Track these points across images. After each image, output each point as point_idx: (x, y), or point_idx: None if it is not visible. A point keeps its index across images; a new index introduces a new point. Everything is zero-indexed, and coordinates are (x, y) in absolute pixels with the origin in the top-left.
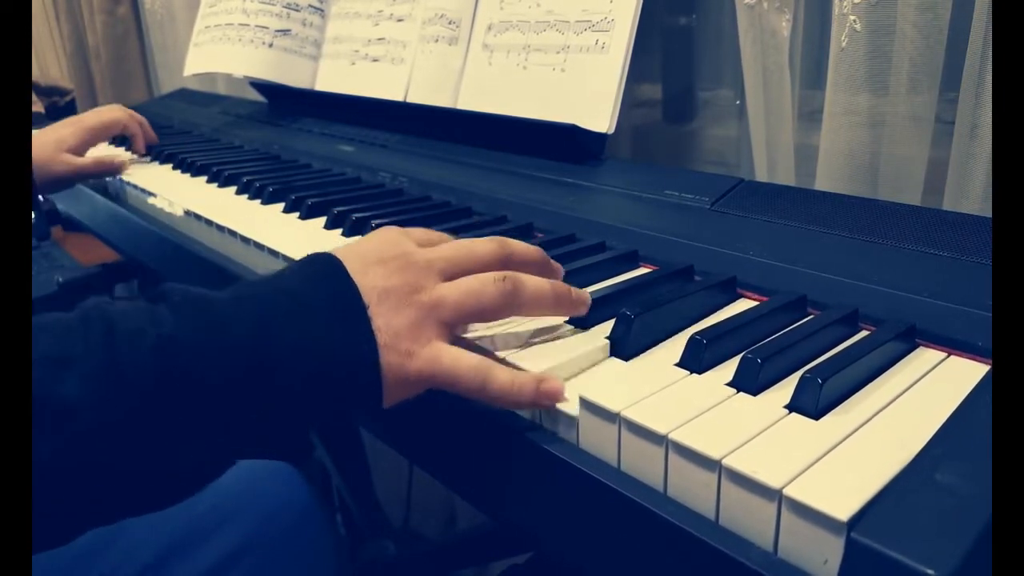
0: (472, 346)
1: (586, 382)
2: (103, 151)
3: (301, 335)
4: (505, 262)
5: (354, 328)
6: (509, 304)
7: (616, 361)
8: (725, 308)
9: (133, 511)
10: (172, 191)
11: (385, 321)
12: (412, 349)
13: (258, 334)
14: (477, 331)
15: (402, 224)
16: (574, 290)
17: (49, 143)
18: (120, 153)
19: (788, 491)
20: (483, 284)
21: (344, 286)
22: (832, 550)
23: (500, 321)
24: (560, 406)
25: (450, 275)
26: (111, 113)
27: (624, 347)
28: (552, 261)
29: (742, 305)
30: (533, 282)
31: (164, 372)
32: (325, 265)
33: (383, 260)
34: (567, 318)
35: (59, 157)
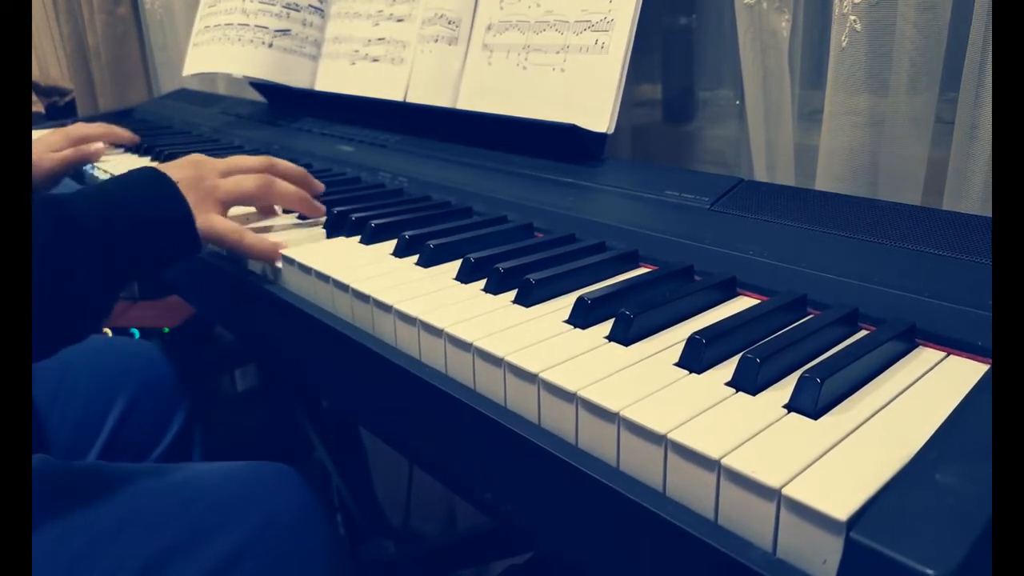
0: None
1: (587, 381)
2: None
3: (148, 201)
4: (269, 169)
5: (171, 192)
6: (265, 194)
7: (615, 359)
8: (725, 308)
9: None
10: None
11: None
12: (197, 214)
13: (113, 206)
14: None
15: (403, 225)
16: (314, 204)
17: (38, 145)
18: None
19: (787, 491)
20: (246, 178)
21: (159, 174)
22: (831, 550)
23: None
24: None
25: (227, 175)
26: (87, 128)
27: (623, 346)
28: (312, 178)
29: (742, 304)
30: (283, 184)
31: (59, 221)
32: (144, 169)
33: (182, 166)
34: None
35: (46, 155)
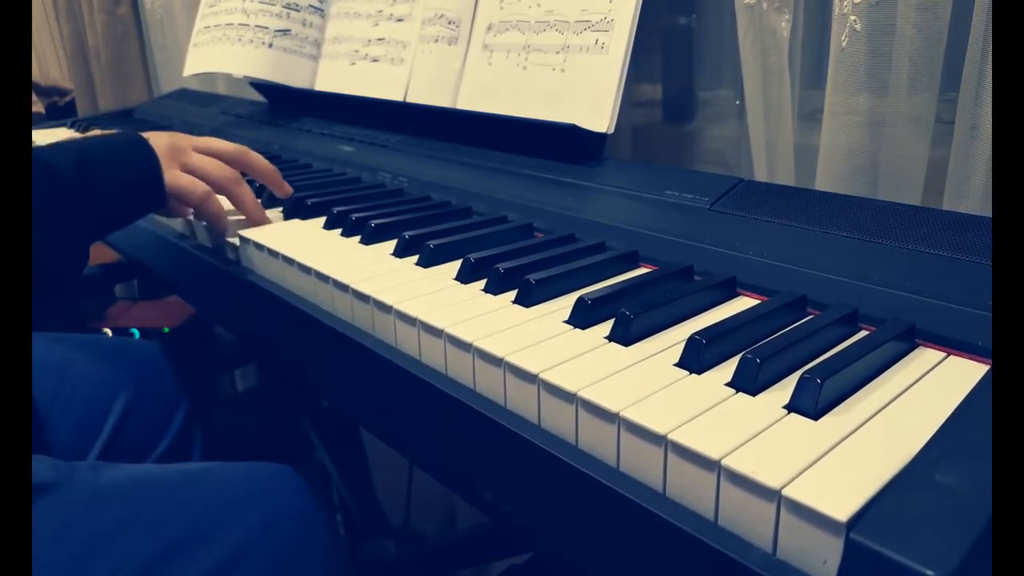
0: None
1: (587, 382)
2: None
3: (121, 156)
4: (242, 157)
5: (141, 145)
6: (227, 191)
7: (615, 360)
8: (725, 308)
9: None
10: None
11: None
12: (164, 169)
13: (88, 158)
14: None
15: (403, 225)
16: (265, 215)
17: None
18: None
19: (787, 491)
20: (220, 167)
21: (132, 132)
22: (831, 551)
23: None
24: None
25: (201, 153)
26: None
27: (623, 346)
28: (281, 178)
29: (742, 305)
30: (247, 191)
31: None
32: (122, 132)
33: (160, 135)
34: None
35: None
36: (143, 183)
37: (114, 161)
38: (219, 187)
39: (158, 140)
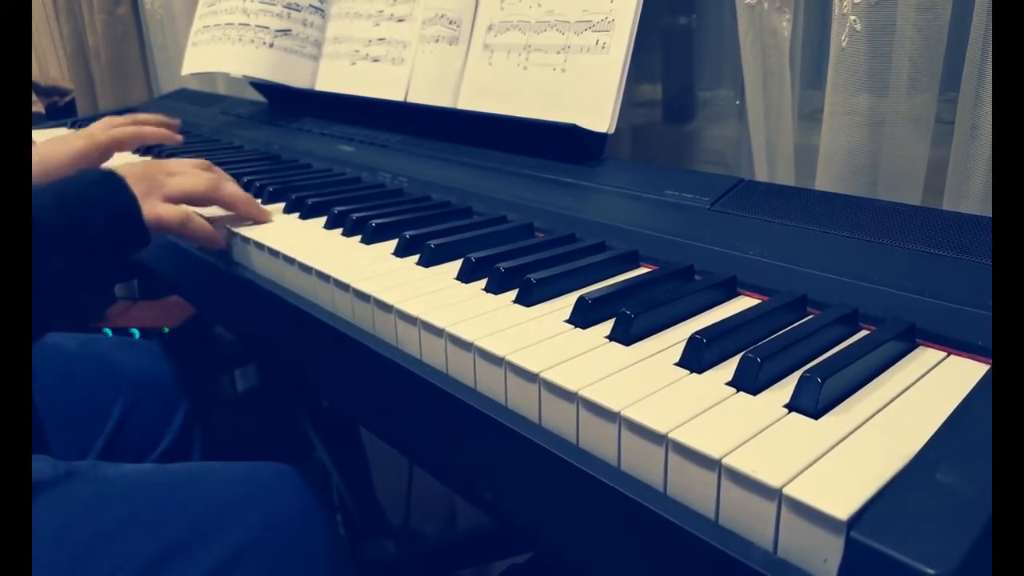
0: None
1: (588, 381)
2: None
3: (96, 197)
4: (213, 171)
5: (118, 185)
6: (212, 195)
7: (616, 359)
8: (725, 307)
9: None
10: None
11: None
12: (143, 205)
13: (67, 202)
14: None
15: (403, 224)
16: (261, 207)
17: (64, 157)
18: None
19: (788, 490)
20: (195, 177)
21: (107, 171)
22: (832, 549)
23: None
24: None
25: (175, 175)
26: (122, 131)
27: (624, 345)
28: (254, 199)
29: (742, 304)
30: (232, 186)
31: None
32: (96, 170)
33: (132, 164)
34: None
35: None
36: (121, 219)
37: (89, 200)
38: (204, 199)
39: (129, 171)
